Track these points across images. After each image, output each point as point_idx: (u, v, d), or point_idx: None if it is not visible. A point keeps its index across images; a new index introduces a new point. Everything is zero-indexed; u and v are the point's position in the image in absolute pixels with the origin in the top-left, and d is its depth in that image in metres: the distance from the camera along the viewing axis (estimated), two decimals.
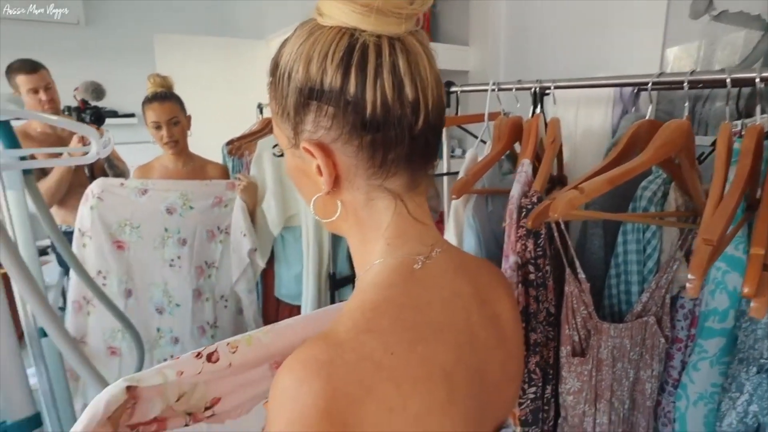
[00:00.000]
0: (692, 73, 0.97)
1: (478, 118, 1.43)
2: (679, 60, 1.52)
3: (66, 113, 2.35)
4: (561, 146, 1.22)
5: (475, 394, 0.55)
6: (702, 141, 1.25)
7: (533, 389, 1.07)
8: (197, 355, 0.56)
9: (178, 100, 2.02)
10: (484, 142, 1.42)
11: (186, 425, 0.65)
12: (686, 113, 1.00)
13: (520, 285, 1.06)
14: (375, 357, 0.47)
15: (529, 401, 1.08)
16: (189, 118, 2.09)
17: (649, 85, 1.03)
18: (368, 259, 0.58)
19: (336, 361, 0.46)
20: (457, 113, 1.63)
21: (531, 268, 1.05)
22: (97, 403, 0.54)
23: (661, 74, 1.03)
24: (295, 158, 0.57)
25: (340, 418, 0.43)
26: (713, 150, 0.89)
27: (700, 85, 1.06)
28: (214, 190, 2.08)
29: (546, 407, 1.11)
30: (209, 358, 0.57)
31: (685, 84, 0.98)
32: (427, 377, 0.48)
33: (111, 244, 1.94)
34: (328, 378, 0.44)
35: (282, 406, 0.45)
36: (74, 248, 1.92)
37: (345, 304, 0.55)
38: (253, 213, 2.15)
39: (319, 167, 0.53)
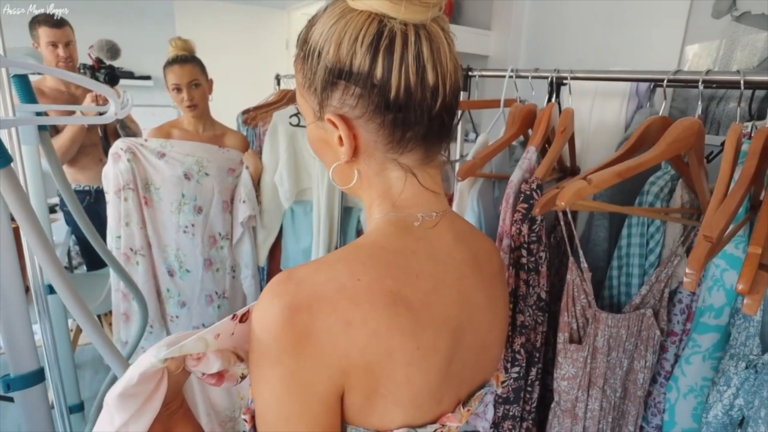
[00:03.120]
0: (707, 72, 0.98)
1: (494, 104, 1.45)
2: (698, 58, 1.52)
3: (81, 71, 2.35)
4: (574, 138, 1.24)
5: (454, 345, 0.60)
6: (712, 140, 1.26)
7: (516, 369, 1.11)
8: (232, 317, 0.58)
9: (199, 63, 2.01)
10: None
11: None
12: (699, 112, 1.01)
13: (511, 267, 1.09)
14: (341, 280, 0.52)
15: (512, 380, 1.11)
16: (211, 82, 2.08)
17: (665, 81, 1.04)
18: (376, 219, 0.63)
19: (306, 281, 0.52)
20: (469, 97, 1.64)
21: (523, 252, 1.07)
22: (131, 372, 0.55)
23: (677, 72, 1.04)
24: (318, 129, 0.61)
25: (300, 327, 0.50)
26: (722, 149, 0.91)
27: (715, 85, 1.07)
28: (229, 161, 2.09)
29: (529, 388, 1.14)
30: (241, 319, 0.59)
31: (700, 83, 0.98)
32: (390, 303, 0.53)
33: (144, 197, 2.01)
34: (294, 293, 0.51)
35: (257, 320, 0.52)
36: (114, 205, 1.98)
37: None
38: (255, 182, 2.16)
39: (340, 137, 0.57)
